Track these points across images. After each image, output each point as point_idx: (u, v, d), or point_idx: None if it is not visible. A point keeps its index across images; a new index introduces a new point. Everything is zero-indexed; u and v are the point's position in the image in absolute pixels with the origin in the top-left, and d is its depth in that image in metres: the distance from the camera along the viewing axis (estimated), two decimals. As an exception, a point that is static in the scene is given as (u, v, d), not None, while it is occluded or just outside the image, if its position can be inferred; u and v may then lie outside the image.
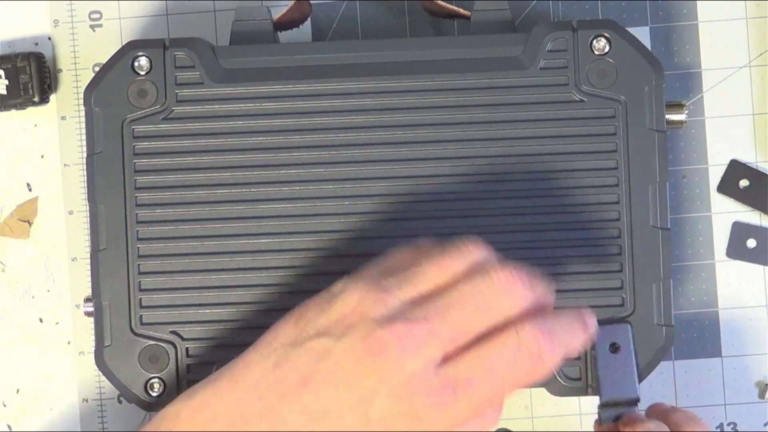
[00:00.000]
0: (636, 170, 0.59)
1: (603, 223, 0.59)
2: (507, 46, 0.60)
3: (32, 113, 0.67)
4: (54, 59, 0.67)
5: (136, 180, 0.60)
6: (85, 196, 0.62)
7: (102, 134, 0.60)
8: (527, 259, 0.59)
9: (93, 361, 0.61)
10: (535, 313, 0.52)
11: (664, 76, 0.60)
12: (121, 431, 0.66)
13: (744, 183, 0.66)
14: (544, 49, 0.60)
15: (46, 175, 0.67)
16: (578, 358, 0.59)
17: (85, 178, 0.61)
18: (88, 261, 0.61)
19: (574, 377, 0.59)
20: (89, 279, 0.60)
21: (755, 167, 0.66)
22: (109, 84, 0.60)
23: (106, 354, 0.60)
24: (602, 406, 0.57)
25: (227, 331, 0.60)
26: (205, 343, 0.60)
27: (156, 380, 0.59)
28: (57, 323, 0.67)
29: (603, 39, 0.60)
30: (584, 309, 0.54)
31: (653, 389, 0.65)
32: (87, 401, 0.66)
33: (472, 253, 0.53)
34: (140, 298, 0.60)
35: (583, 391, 0.59)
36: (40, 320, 0.67)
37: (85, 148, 0.62)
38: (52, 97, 0.67)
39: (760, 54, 0.66)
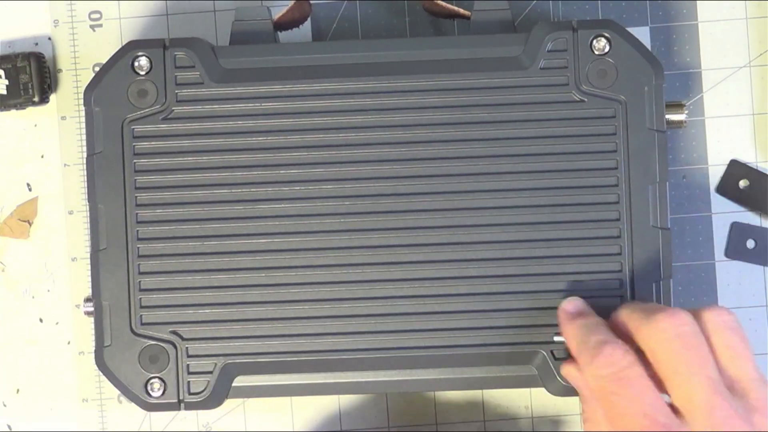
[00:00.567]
0: (636, 170, 0.59)
1: (603, 223, 0.59)
2: (507, 46, 0.60)
3: (32, 113, 0.67)
4: (54, 59, 0.67)
5: (136, 180, 0.60)
6: (85, 196, 0.62)
7: (102, 134, 0.60)
8: (527, 258, 0.59)
9: (93, 361, 0.61)
10: None
11: (664, 76, 0.60)
12: (121, 431, 0.66)
13: (744, 183, 0.66)
14: (544, 49, 0.60)
15: (46, 175, 0.67)
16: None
17: (85, 178, 0.61)
18: (88, 261, 0.61)
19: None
20: (89, 279, 0.60)
21: (755, 167, 0.66)
22: (109, 84, 0.60)
23: (106, 354, 0.60)
24: None
25: (227, 331, 0.60)
26: (205, 343, 0.60)
27: (156, 380, 0.60)
28: (57, 323, 0.67)
29: (603, 39, 0.60)
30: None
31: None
32: (87, 401, 0.66)
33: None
34: (140, 298, 0.60)
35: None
36: (40, 320, 0.67)
37: (85, 148, 0.62)
38: (52, 97, 0.67)
39: (760, 54, 0.66)
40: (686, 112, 0.61)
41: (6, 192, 0.67)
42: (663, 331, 0.52)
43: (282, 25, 0.63)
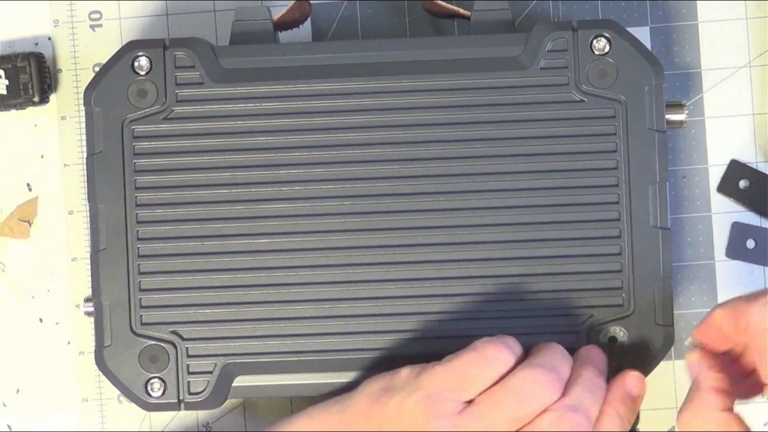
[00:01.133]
0: (636, 170, 0.59)
1: (603, 223, 0.59)
2: (507, 46, 0.60)
3: (32, 113, 0.67)
4: (54, 59, 0.67)
5: (136, 180, 0.60)
6: (85, 196, 0.62)
7: (102, 134, 0.60)
8: (527, 258, 0.59)
9: (93, 361, 0.61)
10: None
11: (664, 76, 0.60)
12: (121, 431, 0.66)
13: (744, 183, 0.66)
14: (544, 49, 0.60)
15: (46, 175, 0.67)
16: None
17: (85, 178, 0.61)
18: (88, 261, 0.61)
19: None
20: (89, 279, 0.60)
21: (755, 167, 0.66)
22: (109, 84, 0.60)
23: (106, 354, 0.60)
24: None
25: (227, 331, 0.60)
26: (205, 343, 0.60)
27: (156, 380, 0.60)
28: (57, 323, 0.67)
29: (603, 39, 0.60)
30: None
31: (653, 389, 0.65)
32: (87, 401, 0.66)
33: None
34: (140, 298, 0.60)
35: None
36: (40, 320, 0.67)
37: (85, 148, 0.62)
38: (52, 97, 0.67)
39: (760, 54, 0.66)
40: (686, 112, 0.61)
41: (6, 192, 0.67)
42: None
43: (282, 25, 0.63)
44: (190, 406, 0.60)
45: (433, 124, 0.60)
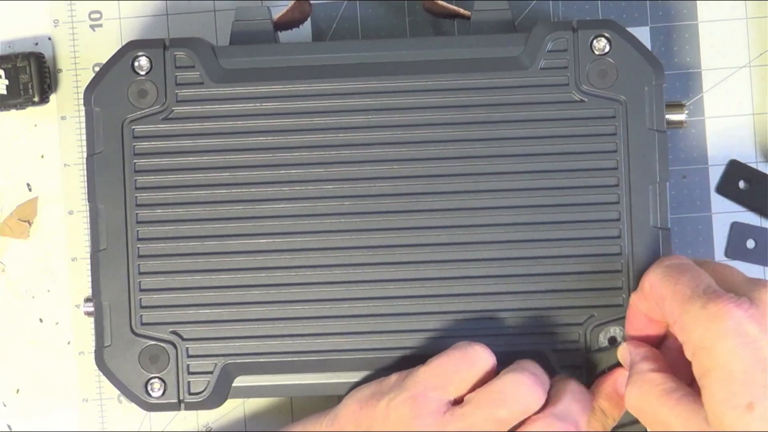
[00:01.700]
0: (636, 170, 0.59)
1: (603, 223, 0.59)
2: (507, 46, 0.60)
3: (32, 113, 0.67)
4: (54, 59, 0.67)
5: (136, 180, 0.60)
6: (85, 196, 0.62)
7: (102, 134, 0.60)
8: (528, 258, 0.59)
9: (93, 361, 0.61)
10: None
11: (664, 76, 0.60)
12: (121, 431, 0.66)
13: (744, 183, 0.66)
14: (544, 49, 0.60)
15: (46, 175, 0.67)
16: (578, 367, 0.59)
17: (85, 178, 0.61)
18: (88, 261, 0.61)
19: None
20: (89, 279, 0.60)
21: (755, 167, 0.66)
22: (109, 84, 0.60)
23: (106, 354, 0.60)
24: None
25: (227, 331, 0.60)
26: (205, 343, 0.60)
27: (156, 380, 0.60)
28: (57, 323, 0.67)
29: (603, 39, 0.60)
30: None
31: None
32: (87, 401, 0.66)
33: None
34: (140, 298, 0.60)
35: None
36: (40, 320, 0.67)
37: (85, 148, 0.62)
38: (52, 97, 0.67)
39: (760, 54, 0.66)
40: (686, 112, 0.61)
41: (6, 192, 0.67)
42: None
43: (282, 25, 0.63)
44: (190, 406, 0.60)
45: (433, 124, 0.60)
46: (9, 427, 0.67)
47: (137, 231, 0.60)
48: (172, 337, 0.60)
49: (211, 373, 0.59)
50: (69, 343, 0.67)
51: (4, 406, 0.67)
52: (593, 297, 0.59)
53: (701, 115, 0.66)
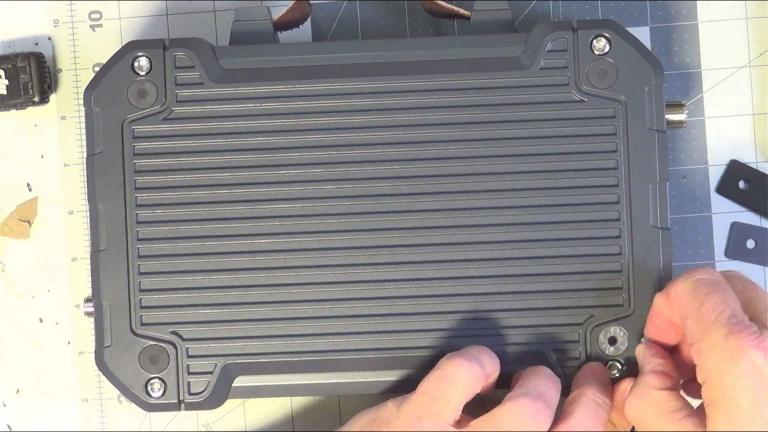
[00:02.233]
0: (636, 170, 0.59)
1: (603, 223, 0.59)
2: (507, 46, 0.60)
3: (32, 113, 0.67)
4: (54, 59, 0.67)
5: (136, 180, 0.60)
6: (85, 196, 0.62)
7: (102, 134, 0.60)
8: (528, 258, 0.59)
9: (93, 361, 0.61)
10: None
11: (664, 76, 0.60)
12: (121, 431, 0.66)
13: (744, 183, 0.66)
14: (544, 49, 0.60)
15: (46, 175, 0.67)
16: (577, 358, 0.59)
17: (85, 178, 0.61)
18: (88, 261, 0.61)
19: (572, 376, 0.59)
20: (89, 279, 0.60)
21: (755, 167, 0.66)
22: (109, 84, 0.60)
23: (106, 354, 0.60)
24: None
25: (227, 332, 0.60)
26: (205, 343, 0.60)
27: (156, 380, 0.60)
28: (57, 323, 0.67)
29: (603, 39, 0.60)
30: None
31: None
32: (87, 401, 0.66)
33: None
34: (140, 299, 0.60)
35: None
36: (40, 320, 0.67)
37: (85, 148, 0.62)
38: (52, 97, 0.67)
39: (760, 54, 0.66)
40: (686, 112, 0.61)
41: (6, 192, 0.67)
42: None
43: (282, 25, 0.63)
44: (190, 407, 0.60)
45: (433, 124, 0.60)
46: (9, 427, 0.67)
47: (137, 231, 0.60)
48: (172, 338, 0.60)
49: (211, 373, 0.60)
50: (69, 343, 0.67)
51: (4, 406, 0.67)
52: (593, 297, 0.59)
53: (701, 115, 0.66)
